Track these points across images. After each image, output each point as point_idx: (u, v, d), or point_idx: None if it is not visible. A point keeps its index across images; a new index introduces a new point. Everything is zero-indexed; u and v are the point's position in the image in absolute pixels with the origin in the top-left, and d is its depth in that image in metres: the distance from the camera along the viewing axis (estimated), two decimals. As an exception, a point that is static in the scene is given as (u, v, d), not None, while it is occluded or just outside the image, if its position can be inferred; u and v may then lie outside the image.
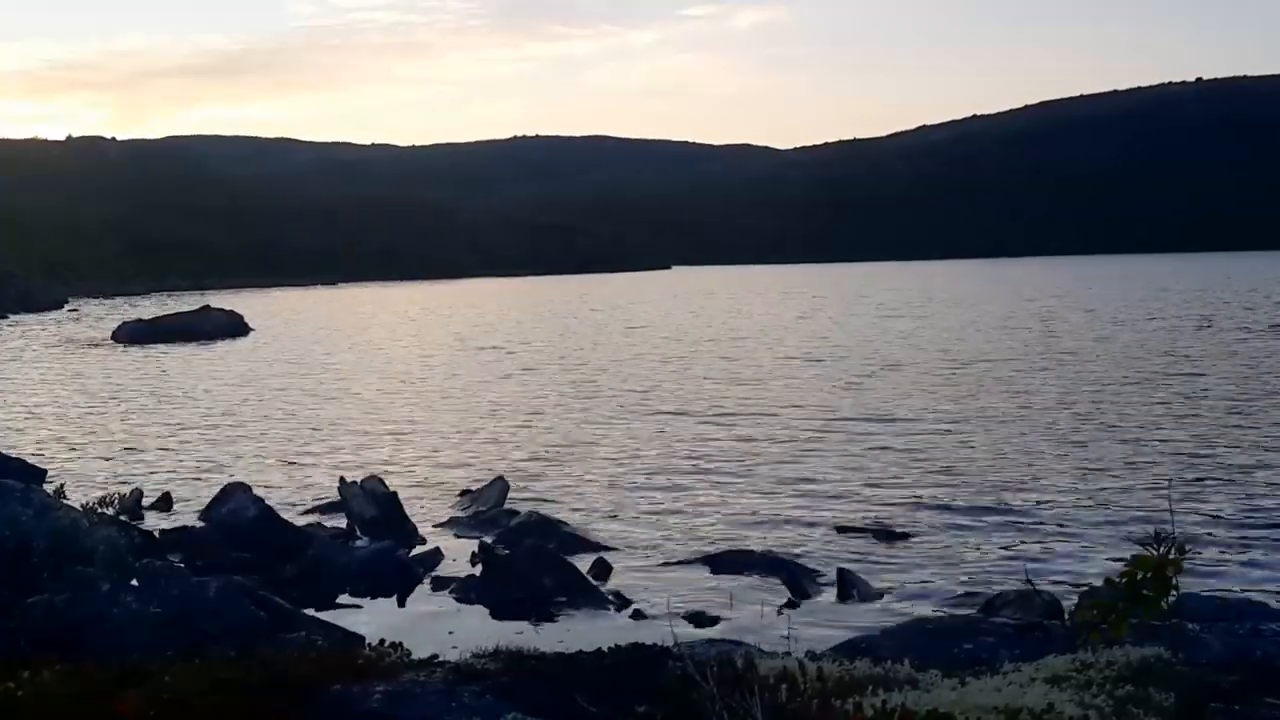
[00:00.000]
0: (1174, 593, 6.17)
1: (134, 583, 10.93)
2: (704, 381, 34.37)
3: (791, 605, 12.24)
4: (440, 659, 6.62)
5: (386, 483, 16.73)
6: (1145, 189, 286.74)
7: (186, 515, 16.73)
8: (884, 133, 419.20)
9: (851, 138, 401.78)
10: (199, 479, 19.96)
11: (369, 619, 11.72)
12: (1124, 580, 6.14)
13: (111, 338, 57.83)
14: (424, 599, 12.88)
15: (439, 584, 13.21)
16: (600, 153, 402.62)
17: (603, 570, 13.56)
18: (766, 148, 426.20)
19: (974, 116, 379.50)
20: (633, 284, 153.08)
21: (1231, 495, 16.83)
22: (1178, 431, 22.66)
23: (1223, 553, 13.70)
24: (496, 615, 12.12)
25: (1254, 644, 6.14)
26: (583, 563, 13.60)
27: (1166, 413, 25.21)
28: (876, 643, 7.33)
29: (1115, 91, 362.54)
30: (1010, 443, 21.84)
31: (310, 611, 11.31)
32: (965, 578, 13.06)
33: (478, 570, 13.50)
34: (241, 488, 16.35)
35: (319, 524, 16.09)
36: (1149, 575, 6.07)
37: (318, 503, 17.60)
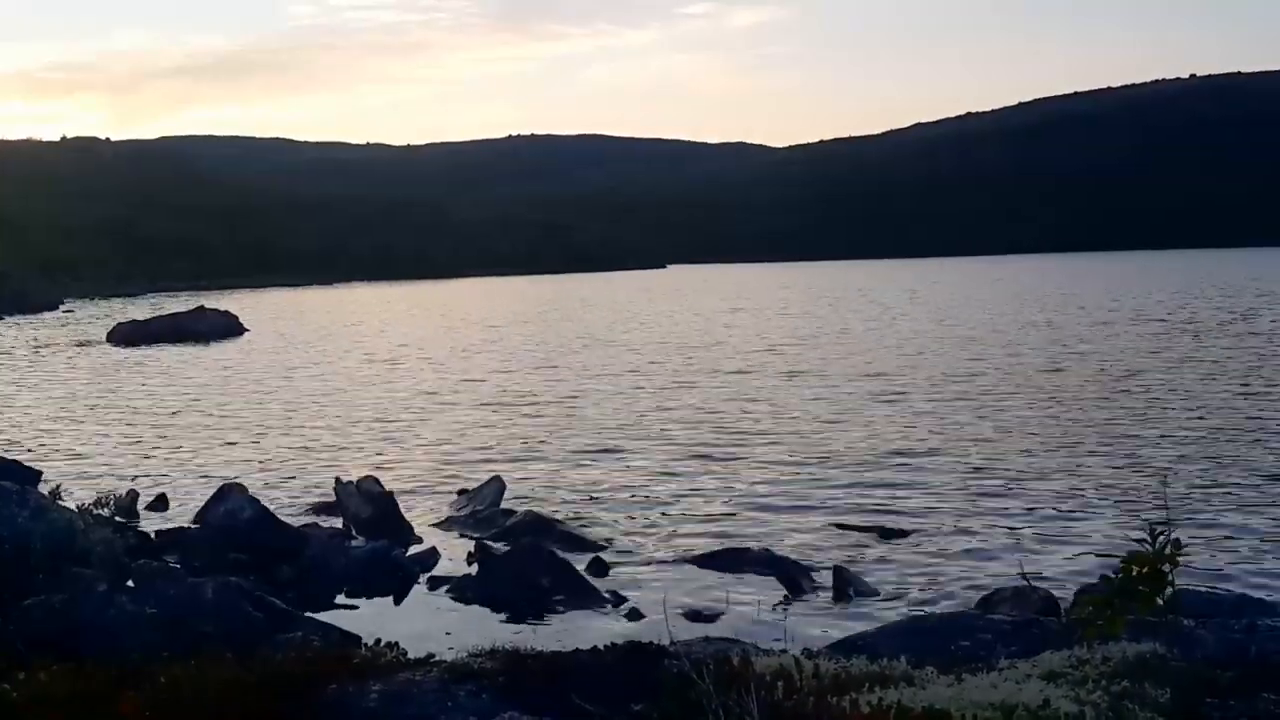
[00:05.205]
0: (1169, 589, 6.19)
1: (130, 584, 10.93)
2: (699, 381, 34.37)
3: (788, 603, 12.25)
4: (436, 658, 6.62)
5: (382, 482, 16.72)
6: (1141, 185, 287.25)
7: (182, 516, 16.72)
8: (880, 130, 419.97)
9: (847, 135, 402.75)
10: (194, 480, 19.93)
11: (365, 619, 11.71)
12: (1120, 577, 6.16)
13: (106, 339, 57.75)
14: (420, 599, 12.88)
15: (435, 583, 13.22)
16: (597, 152, 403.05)
17: (599, 569, 13.56)
18: (762, 146, 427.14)
19: (969, 114, 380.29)
20: (629, 283, 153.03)
21: (1227, 491, 16.84)
22: (1174, 427, 22.69)
23: (1218, 549, 13.71)
24: (493, 614, 12.12)
25: (1249, 640, 6.15)
26: (579, 561, 13.60)
27: (1163, 409, 25.23)
28: (873, 640, 7.33)
29: (1110, 88, 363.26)
30: (1006, 439, 21.85)
31: (307, 612, 11.29)
32: (961, 575, 13.07)
33: (474, 569, 13.50)
34: (237, 488, 16.31)
35: (315, 524, 16.06)
36: (1144, 572, 6.09)
37: (314, 503, 17.59)
